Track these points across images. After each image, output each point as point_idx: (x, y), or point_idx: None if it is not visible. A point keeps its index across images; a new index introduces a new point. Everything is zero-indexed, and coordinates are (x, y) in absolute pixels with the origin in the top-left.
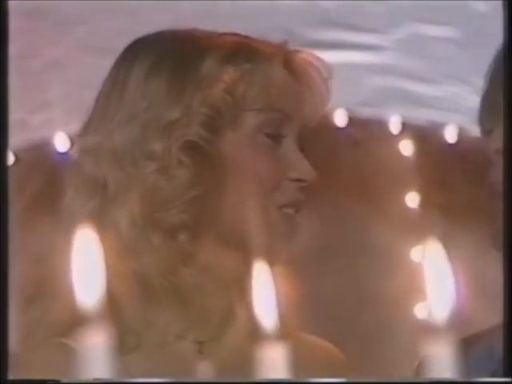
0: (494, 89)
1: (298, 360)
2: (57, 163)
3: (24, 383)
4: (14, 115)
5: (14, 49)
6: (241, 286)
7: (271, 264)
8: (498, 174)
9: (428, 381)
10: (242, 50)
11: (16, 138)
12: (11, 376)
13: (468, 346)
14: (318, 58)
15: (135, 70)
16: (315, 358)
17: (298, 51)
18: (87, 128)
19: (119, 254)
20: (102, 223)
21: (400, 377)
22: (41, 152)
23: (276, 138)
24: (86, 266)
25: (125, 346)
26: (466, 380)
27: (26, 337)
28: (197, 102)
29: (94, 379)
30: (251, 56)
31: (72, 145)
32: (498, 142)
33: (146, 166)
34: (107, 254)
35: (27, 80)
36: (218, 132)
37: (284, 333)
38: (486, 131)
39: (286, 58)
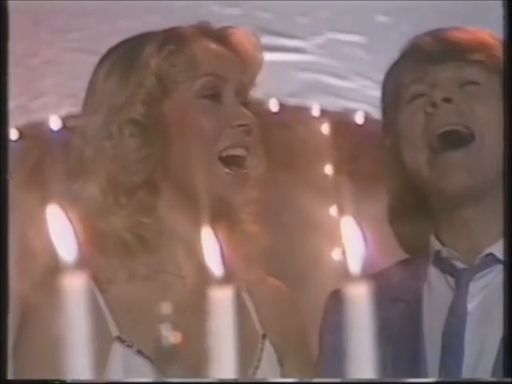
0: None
1: (261, 290)
2: (50, 139)
3: (25, 383)
4: (18, 101)
5: (19, 49)
6: (193, 236)
7: (223, 210)
8: (443, 120)
9: (429, 381)
10: (170, 37)
11: (20, 119)
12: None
13: (371, 280)
14: (251, 34)
15: (100, 72)
16: (272, 290)
17: (230, 27)
18: (79, 116)
19: (94, 217)
20: (79, 195)
21: (400, 378)
22: (39, 130)
23: (215, 97)
24: (63, 228)
25: (118, 277)
26: (465, 380)
27: (23, 281)
28: (133, 86)
29: (96, 379)
30: (176, 40)
31: (63, 125)
32: (444, 92)
33: (106, 145)
34: (84, 218)
35: (28, 74)
36: (155, 105)
37: (233, 277)
38: (431, 84)
39: (217, 34)
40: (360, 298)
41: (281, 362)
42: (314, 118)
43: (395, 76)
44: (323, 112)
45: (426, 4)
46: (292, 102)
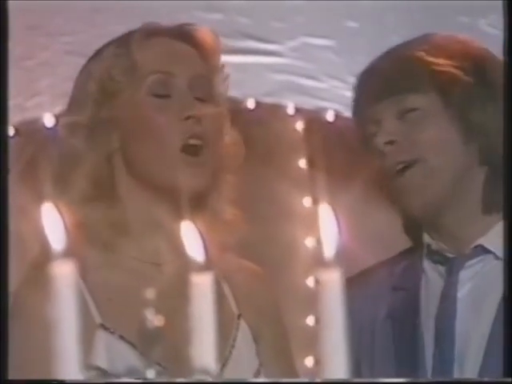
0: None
1: (236, 273)
2: (45, 136)
3: (25, 383)
4: (15, 100)
5: (17, 52)
6: (169, 224)
7: (190, 193)
8: (391, 162)
9: (429, 380)
10: (120, 41)
11: (16, 117)
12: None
13: (374, 271)
14: (210, 32)
15: (81, 76)
16: (246, 271)
17: (189, 24)
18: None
19: (76, 212)
20: (65, 190)
21: (400, 378)
22: (34, 127)
23: (164, 94)
24: (53, 221)
25: (97, 267)
26: (465, 380)
27: (19, 270)
28: (90, 89)
29: (96, 379)
30: (123, 43)
31: (56, 123)
32: (385, 135)
33: (72, 142)
34: (67, 213)
35: (25, 75)
36: (104, 107)
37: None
38: (377, 123)
39: (170, 32)
40: (333, 282)
41: (256, 340)
42: (289, 115)
43: (357, 114)
44: (297, 110)
45: (390, 9)
46: (268, 101)
